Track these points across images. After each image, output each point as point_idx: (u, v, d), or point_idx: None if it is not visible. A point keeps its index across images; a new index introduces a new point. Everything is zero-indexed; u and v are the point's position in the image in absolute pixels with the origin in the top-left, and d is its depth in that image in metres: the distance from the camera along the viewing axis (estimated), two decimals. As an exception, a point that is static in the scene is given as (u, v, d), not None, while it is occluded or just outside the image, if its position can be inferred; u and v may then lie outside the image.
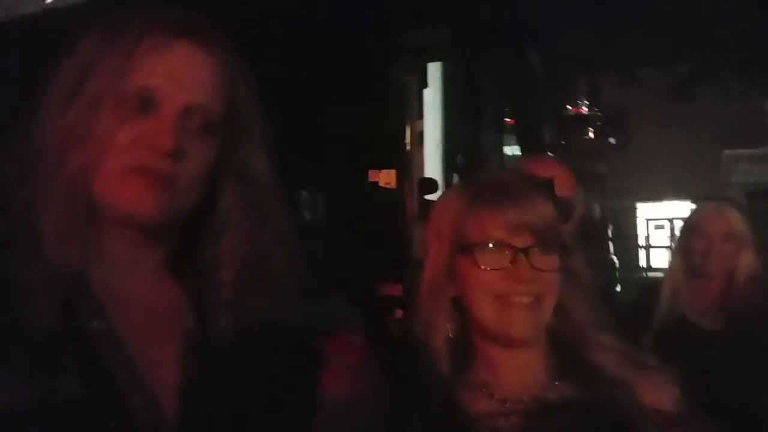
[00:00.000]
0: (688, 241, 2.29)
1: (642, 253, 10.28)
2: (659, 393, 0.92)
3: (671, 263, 2.42)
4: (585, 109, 5.47)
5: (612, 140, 9.57)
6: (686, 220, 2.45)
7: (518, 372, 0.95)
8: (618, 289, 2.50)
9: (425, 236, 0.99)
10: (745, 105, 17.59)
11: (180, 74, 0.77)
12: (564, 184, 1.73)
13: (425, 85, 5.93)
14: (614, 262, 5.90)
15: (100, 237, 0.77)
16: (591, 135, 5.63)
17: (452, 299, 0.95)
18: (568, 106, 5.67)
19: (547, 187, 1.09)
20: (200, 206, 0.82)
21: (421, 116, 5.84)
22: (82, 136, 0.75)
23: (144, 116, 0.77)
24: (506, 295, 0.92)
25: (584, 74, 6.74)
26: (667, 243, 9.81)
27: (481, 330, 0.96)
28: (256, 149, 0.85)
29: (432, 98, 6.15)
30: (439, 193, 5.00)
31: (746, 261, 2.20)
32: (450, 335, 0.95)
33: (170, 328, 0.79)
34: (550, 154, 5.48)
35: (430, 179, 5.05)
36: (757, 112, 18.82)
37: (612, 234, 6.15)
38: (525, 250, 0.91)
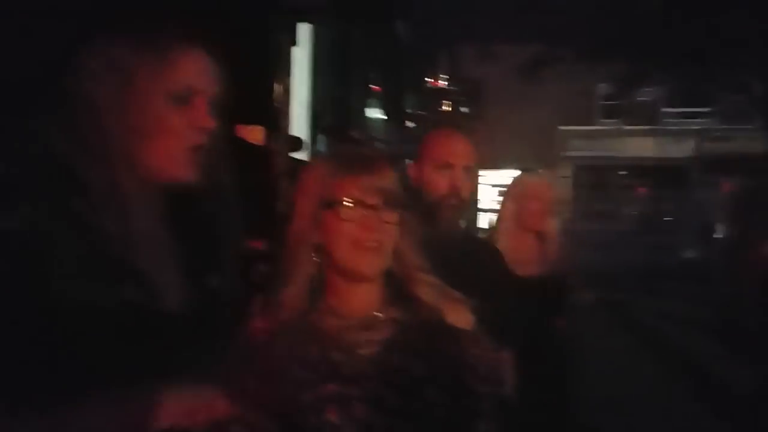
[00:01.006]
0: (513, 203, 2.72)
1: (485, 216, 11.14)
2: (460, 317, 1.23)
3: (500, 220, 2.74)
4: (443, 83, 5.87)
5: (465, 109, 10.21)
6: (510, 186, 2.81)
7: (360, 299, 1.19)
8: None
9: (296, 195, 1.19)
10: (582, 86, 19.41)
11: (202, 72, 1.02)
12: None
13: (294, 43, 5.95)
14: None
15: (144, 199, 0.99)
16: (447, 107, 6.07)
17: (314, 245, 1.16)
18: (427, 79, 6.04)
19: (390, 160, 1.39)
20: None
21: (289, 74, 5.87)
22: (143, 127, 0.97)
23: (185, 106, 1.00)
24: (359, 241, 1.14)
25: (445, 47, 7.15)
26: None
27: (336, 268, 1.18)
28: (230, 120, 1.12)
29: (301, 57, 6.18)
30: (304, 151, 5.14)
31: (553, 222, 2.67)
32: (311, 273, 1.16)
33: (171, 258, 1.03)
34: (408, 122, 5.85)
35: (296, 137, 5.17)
36: (591, 94, 20.84)
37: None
38: (375, 207, 1.15)
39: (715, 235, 12.54)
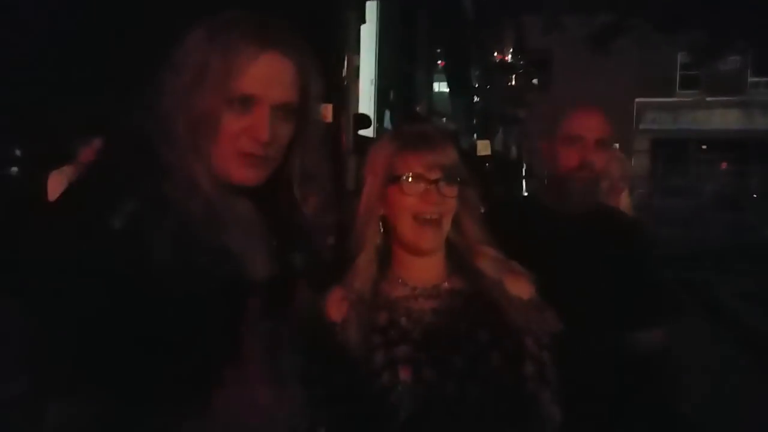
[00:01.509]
0: None
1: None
2: (521, 288, 1.27)
3: None
4: (509, 57, 5.83)
5: (535, 81, 9.98)
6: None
7: (425, 270, 1.27)
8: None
9: (365, 172, 1.26)
10: (658, 57, 18.60)
11: (270, 79, 0.99)
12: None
13: (363, 21, 6.05)
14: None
15: (221, 187, 1.02)
16: (513, 82, 6.02)
17: (380, 218, 1.24)
18: (494, 53, 6.01)
19: (453, 137, 1.46)
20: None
21: (357, 52, 5.97)
22: (207, 124, 0.97)
23: (246, 112, 0.99)
24: (420, 214, 1.22)
25: (512, 19, 7.03)
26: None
27: (399, 241, 1.26)
28: (315, 122, 1.12)
29: (368, 35, 6.27)
30: (371, 128, 5.25)
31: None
32: (378, 244, 1.25)
33: (261, 242, 1.08)
34: (475, 97, 5.84)
35: (364, 115, 5.28)
36: (668, 65, 19.94)
37: (525, 172, 6.64)
38: (435, 182, 1.22)
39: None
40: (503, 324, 1.20)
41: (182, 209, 0.96)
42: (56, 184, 5.27)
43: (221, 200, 0.99)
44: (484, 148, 5.11)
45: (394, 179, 1.20)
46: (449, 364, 1.14)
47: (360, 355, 1.15)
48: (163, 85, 1.00)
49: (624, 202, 2.73)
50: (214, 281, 0.95)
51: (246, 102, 0.98)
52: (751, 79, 18.59)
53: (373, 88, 6.35)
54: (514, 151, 6.22)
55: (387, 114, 6.38)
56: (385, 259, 1.25)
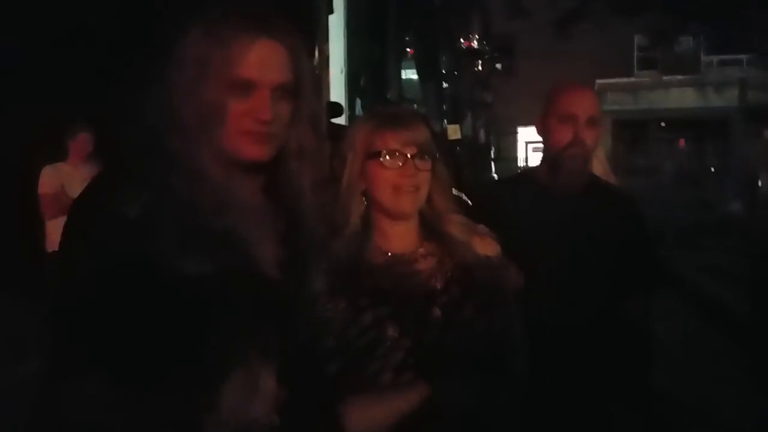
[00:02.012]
0: None
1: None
2: (487, 248, 1.43)
3: None
4: (476, 44, 5.98)
5: (498, 66, 10.18)
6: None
7: (401, 237, 1.41)
8: None
9: (344, 150, 1.37)
10: (617, 39, 18.99)
11: (266, 63, 1.08)
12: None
13: (331, 11, 6.13)
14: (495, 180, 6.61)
15: (229, 172, 1.08)
16: (480, 68, 6.18)
17: (362, 191, 1.36)
18: (461, 40, 6.15)
19: (424, 118, 1.60)
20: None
21: (327, 42, 6.06)
22: (213, 110, 1.05)
23: (247, 96, 1.07)
24: (399, 186, 1.35)
25: (476, 6, 7.19)
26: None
27: (380, 209, 1.38)
28: (309, 99, 1.18)
29: (337, 24, 6.34)
30: (343, 116, 5.34)
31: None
32: (362, 215, 1.36)
33: (268, 225, 1.12)
34: (444, 83, 5.99)
35: (336, 103, 5.37)
36: (626, 47, 20.38)
37: (494, 155, 6.83)
38: (412, 157, 1.35)
39: (759, 188, 12.30)
40: (473, 280, 1.35)
41: (191, 197, 1.01)
42: (48, 178, 5.24)
43: (228, 185, 1.06)
44: (454, 132, 5.26)
45: (373, 155, 1.34)
46: (428, 318, 1.30)
47: (349, 317, 1.27)
48: (167, 80, 1.07)
49: (600, 167, 2.84)
50: (223, 265, 1.01)
51: (247, 87, 1.06)
52: (705, 59, 19.13)
53: (343, 76, 6.43)
54: (482, 134, 6.39)
55: (358, 102, 6.49)
56: (367, 230, 1.37)
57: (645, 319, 1.94)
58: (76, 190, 5.05)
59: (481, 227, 1.47)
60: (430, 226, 1.42)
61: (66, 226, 1.03)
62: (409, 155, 1.33)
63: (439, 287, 1.34)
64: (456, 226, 1.41)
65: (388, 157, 1.33)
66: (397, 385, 1.26)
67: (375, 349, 1.27)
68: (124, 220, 0.96)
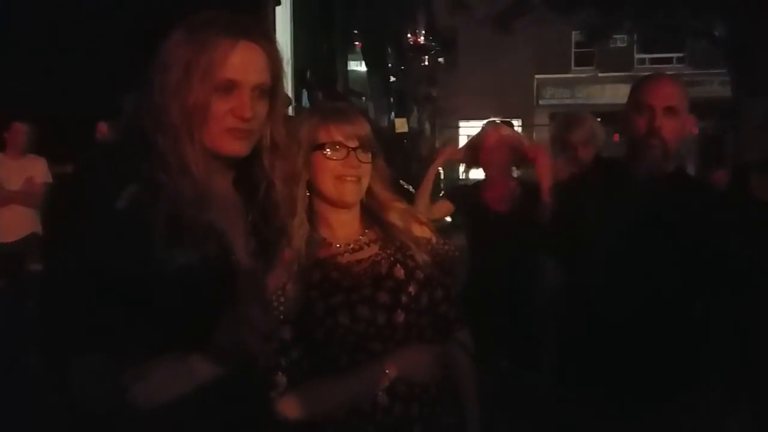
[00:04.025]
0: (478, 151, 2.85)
1: (462, 165, 11.37)
2: (423, 231, 1.51)
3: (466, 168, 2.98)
4: (422, 39, 6.10)
5: (441, 60, 10.33)
6: (474, 136, 2.97)
7: (345, 226, 1.46)
8: (441, 194, 3.14)
9: (289, 142, 1.35)
10: (555, 35, 19.53)
11: (247, 65, 1.15)
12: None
13: (278, 2, 6.12)
14: (439, 172, 6.76)
15: (208, 167, 1.15)
16: (426, 62, 6.31)
17: (306, 183, 1.43)
18: (408, 35, 6.26)
19: (365, 114, 1.69)
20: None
21: (273, 32, 6.05)
22: (197, 109, 1.12)
23: (229, 95, 1.14)
24: (342, 176, 1.39)
25: (420, 1, 7.30)
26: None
27: (324, 198, 1.43)
28: (283, 98, 1.26)
29: (283, 16, 6.33)
30: (290, 108, 5.37)
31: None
32: (306, 206, 1.43)
33: (239, 216, 1.20)
34: (391, 77, 6.08)
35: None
36: (564, 43, 20.96)
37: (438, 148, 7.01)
38: (354, 149, 1.40)
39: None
40: (414, 262, 1.46)
41: (174, 191, 1.09)
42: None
43: (208, 181, 1.14)
44: (401, 125, 5.36)
45: (317, 147, 1.42)
46: (376, 302, 1.39)
47: (303, 308, 1.35)
48: (153, 82, 1.14)
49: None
50: (202, 254, 1.09)
51: (229, 87, 1.14)
52: (638, 56, 19.88)
53: (289, 68, 6.44)
54: (428, 128, 6.53)
55: (305, 94, 6.50)
56: (312, 221, 1.44)
57: (729, 317, 1.92)
58: (14, 181, 4.96)
59: (421, 215, 1.58)
60: (372, 215, 1.51)
61: (56, 218, 1.09)
62: (351, 148, 1.42)
63: (383, 272, 1.43)
64: (396, 213, 1.51)
65: (330, 149, 1.41)
66: (353, 367, 1.36)
67: (330, 337, 1.36)
68: (114, 212, 1.04)
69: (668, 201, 1.80)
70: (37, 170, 4.88)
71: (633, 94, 1.85)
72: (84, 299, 1.02)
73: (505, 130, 2.93)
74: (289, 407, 1.35)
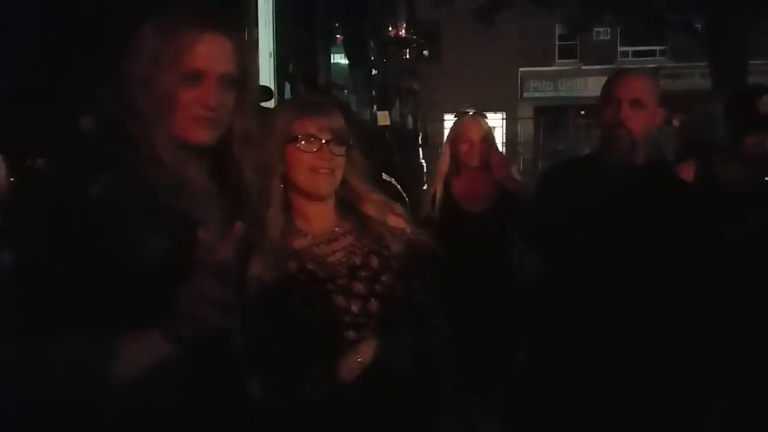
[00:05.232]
0: (455, 144, 2.82)
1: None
2: (399, 221, 1.54)
3: (441, 161, 2.88)
4: (403, 32, 6.12)
5: (425, 53, 10.33)
6: (452, 128, 2.93)
7: (320, 218, 1.47)
8: (425, 187, 3.15)
9: (264, 134, 1.40)
10: (538, 28, 19.62)
11: (213, 55, 1.18)
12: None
13: (259, -6, 6.07)
14: (423, 166, 6.78)
15: (179, 156, 1.18)
16: (407, 55, 6.34)
17: (281, 174, 1.44)
18: (390, 28, 6.27)
19: (340, 107, 1.69)
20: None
21: (256, 25, 6.01)
22: (165, 98, 1.15)
23: (195, 84, 1.17)
24: (315, 168, 1.41)
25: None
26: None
27: (298, 190, 1.44)
28: (252, 88, 1.30)
29: (265, 8, 6.30)
30: (273, 100, 5.35)
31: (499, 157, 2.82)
32: (280, 197, 1.44)
33: (213, 206, 1.21)
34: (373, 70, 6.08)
35: (266, 87, 5.37)
36: (548, 36, 21.06)
37: (422, 142, 7.02)
38: (327, 142, 1.42)
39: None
40: (389, 251, 1.48)
41: (146, 178, 1.12)
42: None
43: (180, 169, 1.16)
44: (383, 118, 5.38)
45: (291, 139, 1.43)
46: (352, 292, 1.41)
47: (279, 299, 1.37)
48: (124, 71, 1.17)
49: (496, 162, 2.82)
50: (174, 240, 1.10)
51: (195, 76, 1.17)
52: (621, 49, 20.01)
53: (272, 60, 6.40)
54: (410, 121, 6.58)
55: (287, 86, 6.49)
56: (286, 213, 1.46)
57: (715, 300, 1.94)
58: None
59: (394, 204, 1.58)
60: (347, 207, 1.53)
61: (24, 204, 1.10)
62: (324, 140, 1.43)
63: (358, 262, 1.45)
64: (372, 205, 1.53)
65: (304, 141, 1.43)
66: (331, 354, 1.37)
67: (307, 326, 1.38)
68: (86, 198, 1.06)
69: (637, 191, 1.84)
70: None
71: (604, 88, 1.92)
72: (56, 285, 1.04)
73: (485, 124, 2.93)
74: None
